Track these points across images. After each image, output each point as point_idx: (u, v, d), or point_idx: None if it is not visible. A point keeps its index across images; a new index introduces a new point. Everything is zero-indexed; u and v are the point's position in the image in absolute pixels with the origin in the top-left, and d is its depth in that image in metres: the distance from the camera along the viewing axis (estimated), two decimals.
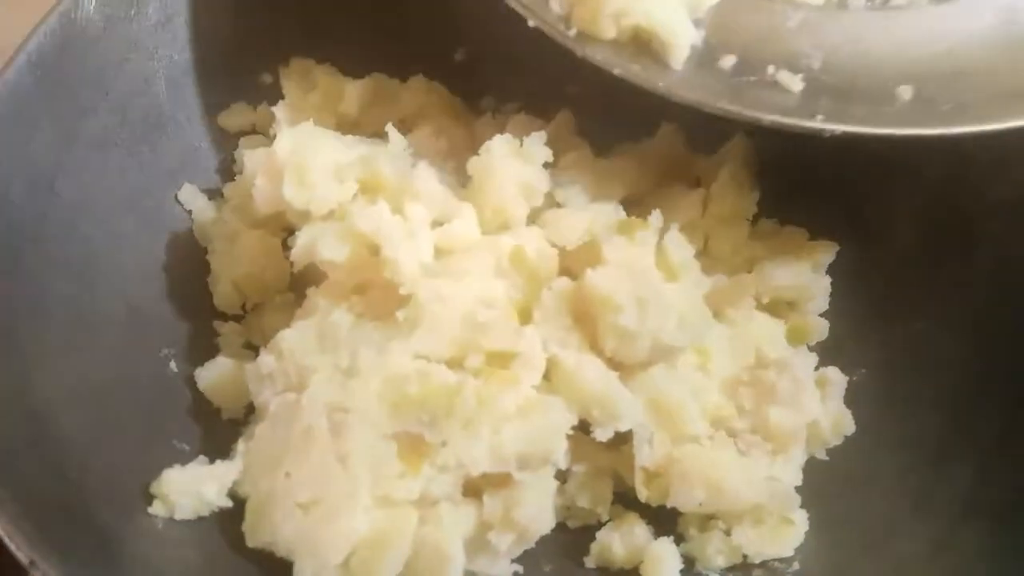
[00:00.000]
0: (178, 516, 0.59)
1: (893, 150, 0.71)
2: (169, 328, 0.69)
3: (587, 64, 0.72)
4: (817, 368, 0.68)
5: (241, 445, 0.61)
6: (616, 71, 0.59)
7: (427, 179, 0.64)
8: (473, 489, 0.60)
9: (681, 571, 0.62)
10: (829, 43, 0.59)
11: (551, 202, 0.67)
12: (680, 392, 0.62)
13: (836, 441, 0.66)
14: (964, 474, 0.63)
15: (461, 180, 0.68)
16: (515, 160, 0.65)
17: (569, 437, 0.59)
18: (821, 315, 0.71)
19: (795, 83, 0.59)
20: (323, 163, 0.63)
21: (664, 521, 0.64)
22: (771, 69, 0.59)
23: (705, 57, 0.60)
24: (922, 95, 0.58)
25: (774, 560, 0.63)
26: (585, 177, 0.67)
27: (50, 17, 0.65)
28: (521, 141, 0.65)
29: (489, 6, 0.75)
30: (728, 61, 0.60)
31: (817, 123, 0.57)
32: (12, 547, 0.49)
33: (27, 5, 0.78)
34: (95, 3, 0.67)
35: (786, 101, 0.59)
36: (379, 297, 0.62)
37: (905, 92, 0.58)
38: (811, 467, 0.65)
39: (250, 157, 0.70)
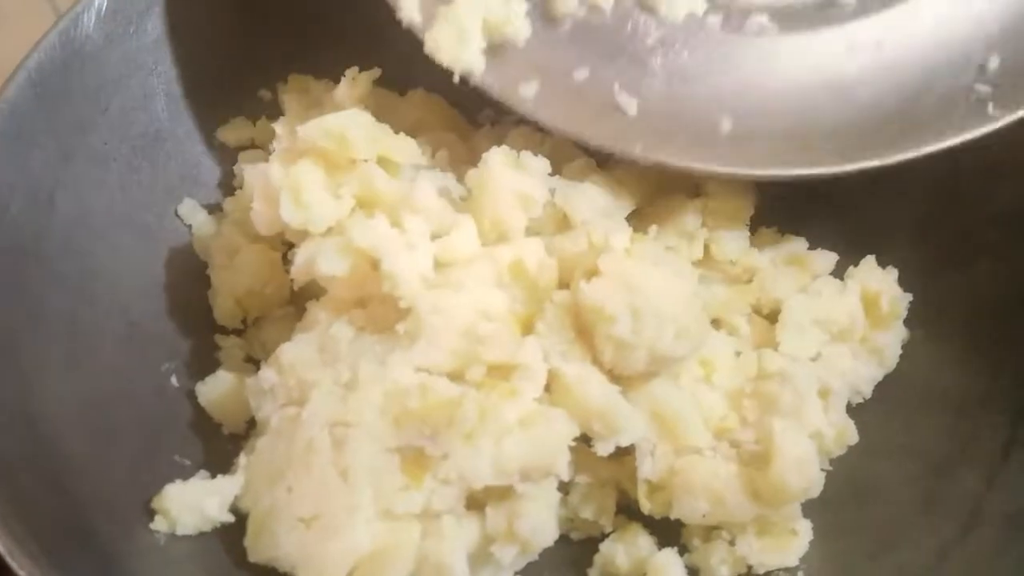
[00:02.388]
0: (180, 531, 0.59)
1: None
2: (169, 343, 0.69)
3: None
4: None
5: (242, 459, 0.61)
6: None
7: (426, 192, 0.64)
8: (476, 502, 0.59)
9: None
10: (676, 66, 0.59)
11: (555, 213, 0.67)
12: (682, 404, 0.62)
13: (839, 451, 0.66)
14: (969, 483, 0.62)
15: (460, 192, 0.68)
16: (513, 171, 0.66)
17: (571, 449, 0.59)
18: None
19: (631, 106, 0.59)
20: (318, 181, 0.63)
21: (668, 532, 0.64)
22: (616, 87, 0.59)
23: (557, 68, 0.61)
24: (741, 130, 0.58)
25: (778, 570, 0.62)
26: (589, 188, 0.67)
27: (50, 34, 0.65)
28: (519, 152, 0.66)
29: None
30: (582, 74, 0.60)
31: (636, 152, 0.58)
32: (14, 565, 0.48)
33: (26, 24, 0.79)
34: (94, 20, 0.67)
35: (619, 124, 0.59)
36: (379, 310, 0.62)
37: (726, 125, 0.58)
38: None
39: (249, 172, 0.70)
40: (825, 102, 0.61)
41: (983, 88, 0.59)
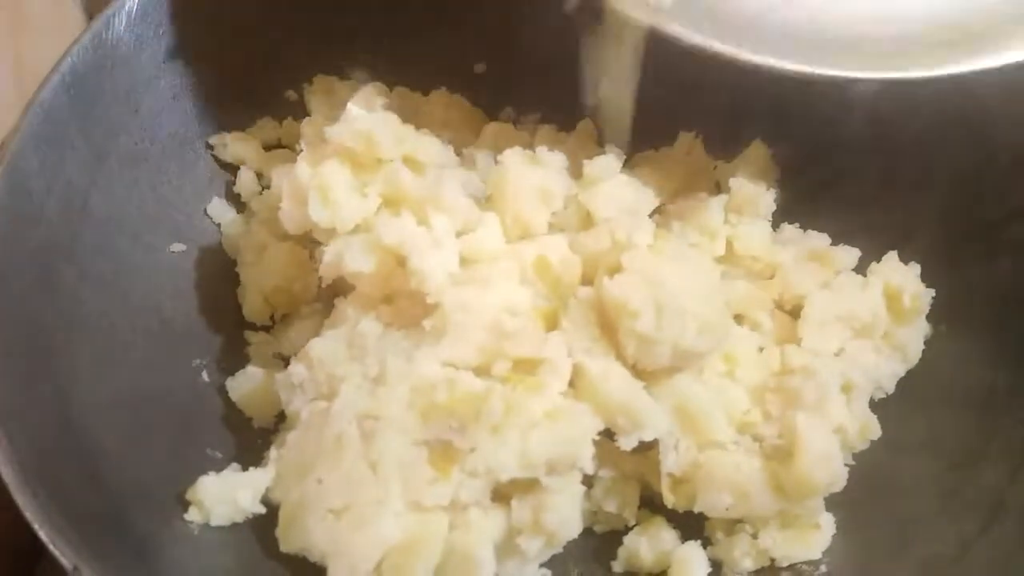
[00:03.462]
0: (213, 522, 0.60)
1: (914, 154, 0.72)
2: (200, 339, 0.71)
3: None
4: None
5: (273, 452, 0.62)
6: None
7: (451, 190, 0.65)
8: (502, 494, 0.60)
9: (708, 575, 0.62)
10: None
11: (579, 210, 0.68)
12: (706, 399, 0.62)
13: (862, 445, 0.66)
14: (991, 478, 0.63)
15: (483, 191, 0.69)
16: (531, 168, 0.67)
17: (595, 442, 0.60)
18: None
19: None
20: (345, 180, 0.64)
21: (691, 525, 0.64)
22: None
23: None
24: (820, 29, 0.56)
25: (801, 563, 0.63)
26: (613, 186, 0.67)
27: (82, 38, 0.67)
28: (534, 149, 0.67)
29: (508, 18, 0.77)
30: None
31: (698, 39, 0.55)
32: (56, 553, 0.50)
33: (57, 27, 0.81)
34: (125, 23, 0.69)
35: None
36: (406, 306, 0.63)
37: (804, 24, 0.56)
38: None
39: (277, 173, 0.71)
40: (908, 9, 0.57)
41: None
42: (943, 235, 0.71)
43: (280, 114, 0.78)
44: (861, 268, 0.70)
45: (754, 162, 0.73)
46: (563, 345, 0.61)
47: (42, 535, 0.50)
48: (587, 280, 0.65)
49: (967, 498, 0.63)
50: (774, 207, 0.73)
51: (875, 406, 0.68)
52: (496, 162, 0.68)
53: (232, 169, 0.77)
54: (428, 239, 0.62)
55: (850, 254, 0.71)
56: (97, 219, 0.67)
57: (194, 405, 0.67)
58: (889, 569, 0.62)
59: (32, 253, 0.61)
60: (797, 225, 0.73)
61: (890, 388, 0.69)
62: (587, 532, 0.64)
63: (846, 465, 0.62)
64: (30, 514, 0.51)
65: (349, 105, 0.69)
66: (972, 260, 0.70)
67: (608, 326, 0.62)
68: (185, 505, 0.60)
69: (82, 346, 0.62)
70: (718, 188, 0.74)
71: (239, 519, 0.61)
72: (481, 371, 0.60)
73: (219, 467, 0.62)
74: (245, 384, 0.68)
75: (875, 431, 0.66)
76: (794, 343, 0.67)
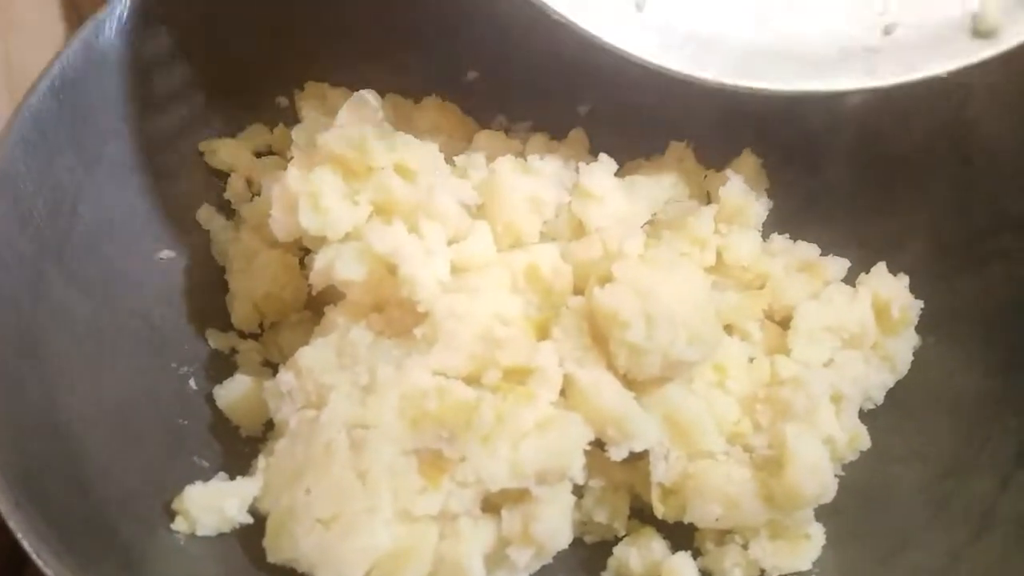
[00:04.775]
0: (200, 532, 0.60)
1: (903, 165, 0.73)
2: (188, 346, 0.70)
3: (597, 83, 0.74)
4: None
5: (261, 461, 0.62)
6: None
7: (443, 198, 0.65)
8: (492, 504, 0.60)
9: None
10: None
11: (571, 220, 0.68)
12: (696, 409, 0.62)
13: (852, 456, 0.66)
14: (982, 486, 0.63)
15: (475, 199, 0.69)
16: (523, 176, 0.67)
17: (586, 453, 0.59)
18: None
19: None
20: (336, 187, 0.64)
21: (681, 535, 0.64)
22: None
23: None
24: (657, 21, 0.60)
25: (792, 573, 0.63)
26: (604, 196, 0.67)
27: (72, 42, 0.66)
28: (526, 157, 0.67)
29: (500, 26, 0.77)
30: None
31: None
32: (39, 563, 0.49)
33: (48, 31, 0.80)
34: (116, 28, 0.68)
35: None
36: (397, 315, 0.63)
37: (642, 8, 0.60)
38: None
39: (267, 179, 0.71)
40: (741, 20, 0.62)
41: (881, 48, 0.60)
42: (932, 246, 0.71)
43: (271, 120, 0.78)
44: (850, 279, 0.71)
45: (744, 172, 0.73)
46: (554, 354, 0.61)
47: (25, 544, 0.49)
48: (578, 289, 0.65)
49: (957, 508, 0.63)
50: (764, 217, 0.73)
51: (864, 417, 0.68)
52: (488, 170, 0.68)
53: (222, 176, 0.76)
54: (419, 247, 0.62)
55: (839, 265, 0.71)
56: (86, 224, 0.66)
57: (181, 413, 0.67)
58: None
59: (20, 257, 0.61)
60: (787, 236, 0.73)
61: (879, 399, 0.69)
62: (577, 542, 0.64)
63: (836, 476, 0.62)
64: (13, 523, 0.50)
65: (340, 112, 0.69)
66: (961, 271, 0.70)
67: (599, 336, 0.62)
68: (171, 515, 0.60)
69: (69, 351, 0.62)
70: (709, 198, 0.74)
71: (226, 529, 0.60)
72: (472, 380, 0.60)
73: (206, 476, 0.62)
74: (233, 392, 0.67)
75: (865, 442, 0.66)
76: (784, 353, 0.67)
